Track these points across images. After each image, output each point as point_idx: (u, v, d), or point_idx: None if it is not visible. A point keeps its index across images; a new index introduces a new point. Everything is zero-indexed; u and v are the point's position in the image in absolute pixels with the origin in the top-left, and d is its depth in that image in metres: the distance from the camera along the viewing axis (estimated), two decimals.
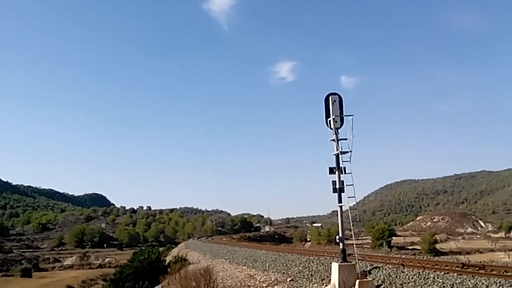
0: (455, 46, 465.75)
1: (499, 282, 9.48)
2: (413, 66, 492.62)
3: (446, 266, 13.12)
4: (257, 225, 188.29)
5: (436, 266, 13.05)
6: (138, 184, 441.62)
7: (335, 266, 12.92)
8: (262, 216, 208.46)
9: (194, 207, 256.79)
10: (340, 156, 13.10)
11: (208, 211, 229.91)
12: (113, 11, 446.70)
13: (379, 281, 12.31)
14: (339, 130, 13.36)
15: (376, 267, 13.70)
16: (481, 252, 77.32)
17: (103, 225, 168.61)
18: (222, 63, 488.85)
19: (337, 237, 13.36)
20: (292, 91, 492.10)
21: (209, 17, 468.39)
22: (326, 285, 13.49)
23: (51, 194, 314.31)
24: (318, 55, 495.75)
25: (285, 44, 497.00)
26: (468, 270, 12.03)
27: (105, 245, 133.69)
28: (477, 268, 12.30)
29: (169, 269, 27.44)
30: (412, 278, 11.52)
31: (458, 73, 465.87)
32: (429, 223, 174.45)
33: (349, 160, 12.91)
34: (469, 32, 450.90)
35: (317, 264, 17.18)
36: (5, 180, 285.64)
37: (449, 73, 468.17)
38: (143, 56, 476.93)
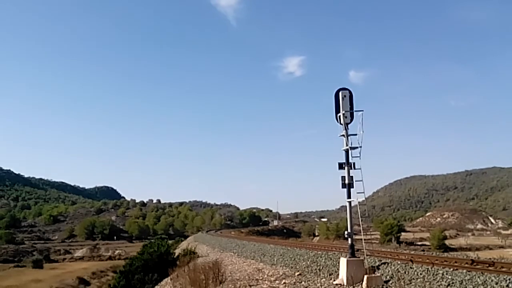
0: (465, 40, 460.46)
1: (509, 279, 9.42)
2: (422, 60, 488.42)
3: (455, 262, 13.06)
4: (266, 219, 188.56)
5: (445, 263, 13.00)
6: (148, 178, 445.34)
7: (343, 261, 12.94)
8: (271, 211, 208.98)
9: (203, 200, 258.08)
10: (349, 151, 13.08)
11: (217, 205, 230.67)
12: (120, 4, 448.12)
13: (388, 277, 12.30)
14: (349, 125, 13.34)
15: (384, 263, 13.68)
16: (491, 249, 76.82)
17: (113, 218, 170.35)
18: (230, 58, 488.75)
19: (346, 232, 13.37)
20: (300, 86, 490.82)
21: (217, 12, 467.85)
22: (334, 280, 13.52)
23: (62, 187, 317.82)
24: (327, 50, 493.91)
25: (293, 39, 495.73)
26: (478, 266, 11.97)
27: (115, 237, 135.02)
28: (487, 265, 12.24)
29: (178, 262, 27.60)
30: (421, 274, 11.49)
31: (468, 67, 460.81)
32: (438, 219, 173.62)
33: (358, 155, 12.89)
34: (481, 26, 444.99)
35: (325, 259, 17.20)
36: (17, 172, 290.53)
37: (459, 67, 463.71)
38: (151, 49, 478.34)
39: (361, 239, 13.42)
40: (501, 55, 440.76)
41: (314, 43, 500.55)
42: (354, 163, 13.04)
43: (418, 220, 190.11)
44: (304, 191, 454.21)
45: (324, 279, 14.25)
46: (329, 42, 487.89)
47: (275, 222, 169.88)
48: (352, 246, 13.08)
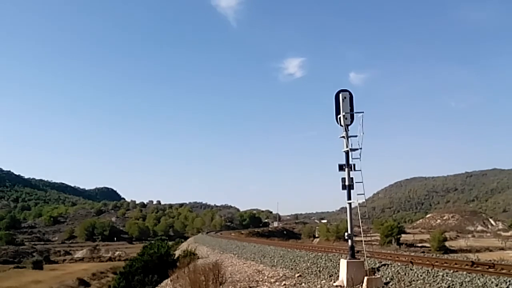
0: (466, 41, 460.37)
1: (509, 281, 9.43)
2: (423, 61, 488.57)
3: (456, 264, 13.06)
4: (266, 220, 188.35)
5: (445, 264, 13.00)
6: (149, 179, 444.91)
7: (343, 263, 12.95)
8: (271, 212, 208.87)
9: (203, 202, 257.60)
10: (350, 153, 13.09)
11: (217, 206, 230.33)
12: (120, 5, 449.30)
13: (388, 278, 12.31)
14: (349, 127, 13.36)
15: (384, 264, 13.70)
16: (491, 251, 76.69)
17: (113, 219, 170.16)
18: (231, 59, 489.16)
19: (346, 233, 13.37)
20: (300, 87, 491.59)
21: (217, 13, 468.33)
22: (334, 282, 13.52)
23: (63, 188, 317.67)
24: (327, 51, 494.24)
25: (293, 40, 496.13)
26: (478, 268, 11.97)
27: (115, 238, 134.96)
28: (487, 267, 12.24)
29: (178, 263, 27.61)
30: (421, 275, 11.50)
31: (469, 68, 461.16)
32: (439, 220, 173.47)
33: (359, 157, 12.91)
34: (481, 26, 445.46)
35: (325, 260, 17.21)
36: (17, 173, 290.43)
37: (459, 68, 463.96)
38: (151, 49, 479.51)
39: (361, 241, 13.42)
40: (502, 55, 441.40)
41: (314, 45, 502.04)
42: (354, 165, 13.06)
43: (418, 221, 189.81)
44: (304, 193, 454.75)
45: (324, 281, 14.26)
46: (329, 44, 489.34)
47: (275, 224, 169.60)
48: (352, 247, 13.08)
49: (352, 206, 13.22)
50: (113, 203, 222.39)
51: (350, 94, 13.64)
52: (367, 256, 13.98)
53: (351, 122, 13.39)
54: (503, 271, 11.33)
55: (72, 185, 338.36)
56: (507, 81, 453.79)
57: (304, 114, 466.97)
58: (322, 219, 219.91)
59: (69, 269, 68.47)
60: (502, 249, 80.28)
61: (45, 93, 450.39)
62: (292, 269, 18.13)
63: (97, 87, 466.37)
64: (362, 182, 12.74)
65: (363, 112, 12.92)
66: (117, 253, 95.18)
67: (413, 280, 11.37)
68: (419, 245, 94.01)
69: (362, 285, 11.97)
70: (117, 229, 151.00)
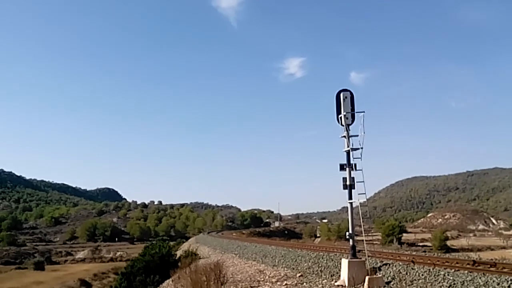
0: (466, 40, 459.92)
1: (511, 279, 9.42)
2: (423, 61, 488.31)
3: (457, 263, 13.06)
4: (267, 220, 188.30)
5: (446, 263, 13.00)
6: (150, 179, 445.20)
7: (345, 262, 12.95)
8: (272, 212, 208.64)
9: (205, 202, 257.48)
10: (351, 152, 13.09)
11: (218, 206, 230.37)
12: (120, 5, 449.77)
13: (389, 278, 12.30)
14: (350, 126, 13.36)
15: (386, 264, 13.69)
16: (492, 249, 76.63)
17: (114, 219, 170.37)
18: (231, 60, 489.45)
19: (347, 233, 13.37)
20: (301, 87, 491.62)
21: (218, 13, 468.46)
22: (335, 281, 13.53)
23: (64, 189, 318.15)
24: (327, 51, 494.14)
25: (294, 40, 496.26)
26: (479, 267, 11.97)
27: (116, 239, 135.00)
28: (488, 266, 12.24)
29: (179, 264, 27.64)
30: (422, 275, 11.50)
31: (469, 68, 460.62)
32: (440, 220, 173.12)
33: (360, 156, 12.92)
34: (481, 26, 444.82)
35: (326, 260, 17.20)
36: (18, 174, 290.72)
37: (459, 68, 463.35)
38: (151, 50, 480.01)
39: (363, 240, 13.42)
40: (502, 55, 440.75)
41: (315, 44, 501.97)
42: (355, 164, 13.07)
43: (419, 221, 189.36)
44: (305, 192, 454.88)
45: (325, 280, 14.26)
46: (330, 43, 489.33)
47: (277, 224, 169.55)
48: (353, 247, 13.09)
49: (353, 205, 13.24)
50: (114, 203, 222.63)
51: (351, 93, 13.65)
52: (368, 256, 13.98)
53: (352, 121, 13.40)
54: (505, 270, 11.31)
55: (73, 185, 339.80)
56: (507, 81, 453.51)
57: (304, 114, 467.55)
58: (323, 218, 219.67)
59: (71, 269, 68.44)
60: (504, 248, 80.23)
61: (45, 93, 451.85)
62: (293, 269, 18.14)
63: (97, 87, 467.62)
64: (363, 181, 12.77)
65: (364, 112, 12.95)
66: (118, 253, 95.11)
67: (415, 280, 11.36)
68: (421, 244, 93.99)
69: (363, 285, 11.97)
70: (119, 230, 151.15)
